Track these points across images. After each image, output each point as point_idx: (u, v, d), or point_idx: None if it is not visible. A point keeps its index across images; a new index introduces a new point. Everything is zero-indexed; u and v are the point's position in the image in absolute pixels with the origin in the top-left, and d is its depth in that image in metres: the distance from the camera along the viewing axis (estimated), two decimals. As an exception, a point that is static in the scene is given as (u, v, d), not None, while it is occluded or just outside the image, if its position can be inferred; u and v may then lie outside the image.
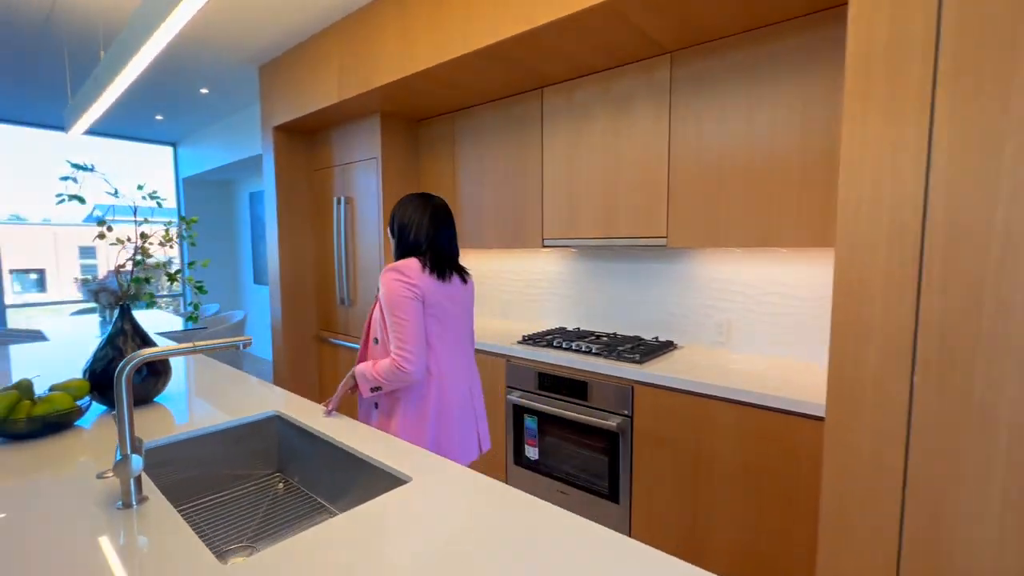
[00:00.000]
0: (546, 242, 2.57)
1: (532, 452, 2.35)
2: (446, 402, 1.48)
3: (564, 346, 2.30)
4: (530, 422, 2.35)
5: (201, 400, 1.60)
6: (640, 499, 1.98)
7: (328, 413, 1.46)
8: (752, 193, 1.88)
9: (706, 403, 1.77)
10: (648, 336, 2.52)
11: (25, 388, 1.33)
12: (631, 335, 2.56)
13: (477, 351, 2.57)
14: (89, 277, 4.44)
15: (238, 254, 6.48)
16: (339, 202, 3.33)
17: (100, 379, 1.44)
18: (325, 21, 2.81)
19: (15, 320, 5.02)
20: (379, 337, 1.50)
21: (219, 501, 1.32)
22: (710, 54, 1.94)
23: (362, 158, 3.18)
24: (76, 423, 1.39)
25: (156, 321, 3.96)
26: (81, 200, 1.14)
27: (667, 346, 2.29)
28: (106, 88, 2.39)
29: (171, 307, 6.78)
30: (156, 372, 1.53)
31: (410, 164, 3.19)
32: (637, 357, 2.05)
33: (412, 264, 1.43)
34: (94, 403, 1.53)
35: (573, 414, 2.13)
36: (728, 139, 1.92)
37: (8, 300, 4.99)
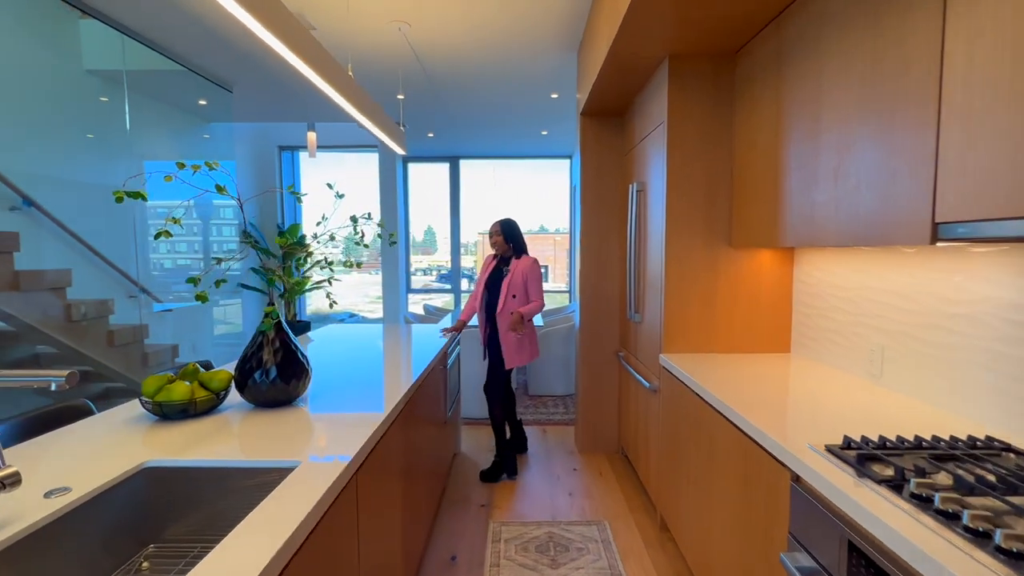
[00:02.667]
0: (943, 230, 1.08)
1: None
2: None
3: (923, 496, 0.86)
4: (827, 640, 1.03)
5: (329, 410, 1.41)
6: None
7: (445, 334, 2.78)
8: None
9: None
10: None
11: (190, 372, 1.48)
12: None
13: (746, 440, 1.39)
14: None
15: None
16: (632, 191, 2.63)
17: (241, 374, 1.46)
18: (604, -42, 2.20)
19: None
20: (516, 294, 2.78)
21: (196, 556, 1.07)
22: None
23: (652, 128, 2.38)
24: (219, 410, 1.46)
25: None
26: (145, 198, 1.11)
27: None
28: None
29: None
30: (286, 376, 1.44)
31: (715, 122, 2.14)
32: None
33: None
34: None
35: None
36: None
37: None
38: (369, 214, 1.73)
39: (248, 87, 4.04)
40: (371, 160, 6.33)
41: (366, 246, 1.74)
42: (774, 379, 1.76)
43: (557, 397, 4.48)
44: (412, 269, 7.14)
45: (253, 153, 5.77)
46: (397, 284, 6.21)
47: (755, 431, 1.32)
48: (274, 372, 1.42)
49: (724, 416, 1.54)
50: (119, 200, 1.09)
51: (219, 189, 1.29)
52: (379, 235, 1.75)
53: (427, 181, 6.89)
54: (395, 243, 1.94)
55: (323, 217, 1.64)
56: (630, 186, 2.67)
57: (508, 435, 3.11)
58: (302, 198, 1.59)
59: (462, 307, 5.60)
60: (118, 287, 3.35)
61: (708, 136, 2.15)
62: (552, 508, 2.52)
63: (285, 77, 3.74)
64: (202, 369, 1.50)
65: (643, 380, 2.43)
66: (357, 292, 7.77)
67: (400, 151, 3.01)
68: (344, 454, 1.15)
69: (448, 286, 7.04)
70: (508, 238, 2.83)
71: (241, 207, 1.31)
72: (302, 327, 5.88)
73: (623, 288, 3.08)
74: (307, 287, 5.88)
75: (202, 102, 4.26)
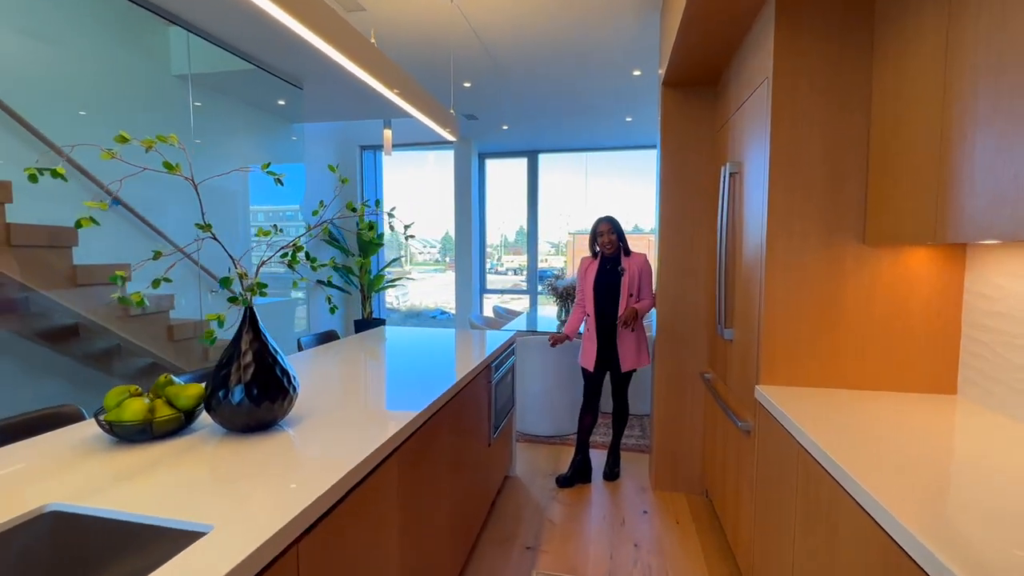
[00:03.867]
0: None
1: None
2: None
3: None
4: None
5: (313, 439, 1.13)
6: None
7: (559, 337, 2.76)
8: None
9: None
10: None
11: (160, 385, 1.27)
12: None
13: (893, 547, 0.87)
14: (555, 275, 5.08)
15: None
16: (724, 174, 2.09)
17: (211, 390, 1.23)
18: None
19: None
20: (633, 293, 2.65)
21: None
22: None
23: (752, 90, 1.84)
24: (191, 430, 1.24)
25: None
26: (64, 177, 0.89)
27: None
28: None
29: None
30: (256, 398, 1.18)
31: (841, 75, 1.56)
32: None
33: None
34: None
35: None
36: None
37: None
38: (377, 201, 1.43)
39: (317, 83, 4.03)
40: (450, 157, 6.19)
41: (373, 240, 1.44)
42: (932, 437, 1.18)
43: (634, 416, 3.96)
44: (503, 268, 6.93)
45: (335, 153, 5.88)
46: (470, 284, 6.02)
47: (911, 541, 0.80)
48: (240, 393, 1.17)
49: (852, 497, 1.02)
50: (32, 180, 0.89)
51: (168, 167, 1.05)
52: (391, 225, 1.45)
53: (512, 179, 6.58)
54: (411, 236, 1.65)
55: (320, 204, 1.37)
56: (722, 168, 2.14)
57: (576, 457, 2.83)
58: (345, 179, 1.38)
59: (538, 310, 5.23)
60: (194, 282, 3.45)
61: (831, 94, 1.57)
62: (611, 563, 2.07)
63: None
64: (178, 381, 1.29)
65: (733, 416, 1.90)
66: (449, 290, 7.84)
67: (451, 138, 2.73)
68: (286, 515, 0.84)
69: (525, 285, 6.73)
70: (620, 236, 2.70)
71: (195, 188, 1.07)
72: (375, 323, 5.90)
73: (712, 295, 2.53)
74: (382, 285, 5.89)
75: (281, 102, 4.34)
